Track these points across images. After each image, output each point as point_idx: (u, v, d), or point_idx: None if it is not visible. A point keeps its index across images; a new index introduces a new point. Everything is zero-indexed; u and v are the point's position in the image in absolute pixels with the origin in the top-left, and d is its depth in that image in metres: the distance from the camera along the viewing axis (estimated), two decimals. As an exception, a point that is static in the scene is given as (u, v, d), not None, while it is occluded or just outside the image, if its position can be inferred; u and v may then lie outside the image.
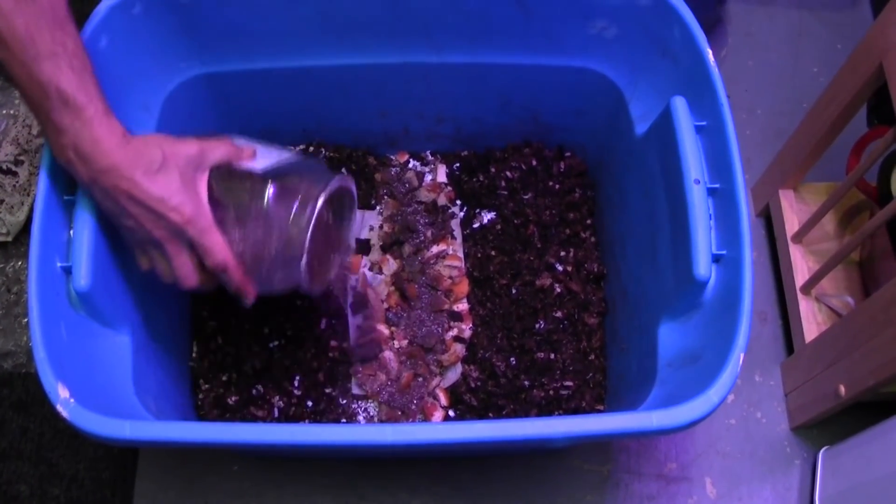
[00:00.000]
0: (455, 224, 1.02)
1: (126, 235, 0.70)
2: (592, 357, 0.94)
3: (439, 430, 0.64)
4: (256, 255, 0.72)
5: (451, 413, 0.93)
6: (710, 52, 0.75)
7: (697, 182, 0.71)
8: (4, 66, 0.61)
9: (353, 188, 0.80)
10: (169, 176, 0.66)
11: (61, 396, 0.62)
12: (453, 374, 0.94)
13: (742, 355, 0.64)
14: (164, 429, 0.63)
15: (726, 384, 0.63)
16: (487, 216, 1.02)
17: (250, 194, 0.71)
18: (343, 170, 1.02)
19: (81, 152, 0.63)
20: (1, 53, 0.60)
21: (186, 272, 0.71)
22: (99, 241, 0.69)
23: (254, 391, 0.92)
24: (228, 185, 0.71)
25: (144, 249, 0.71)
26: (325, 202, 0.72)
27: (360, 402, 0.94)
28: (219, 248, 0.69)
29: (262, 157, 0.74)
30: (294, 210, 0.71)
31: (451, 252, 1.00)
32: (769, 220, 1.09)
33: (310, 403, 0.92)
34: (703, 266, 0.69)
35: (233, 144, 0.73)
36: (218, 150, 0.71)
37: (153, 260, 0.71)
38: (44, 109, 0.62)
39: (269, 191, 0.71)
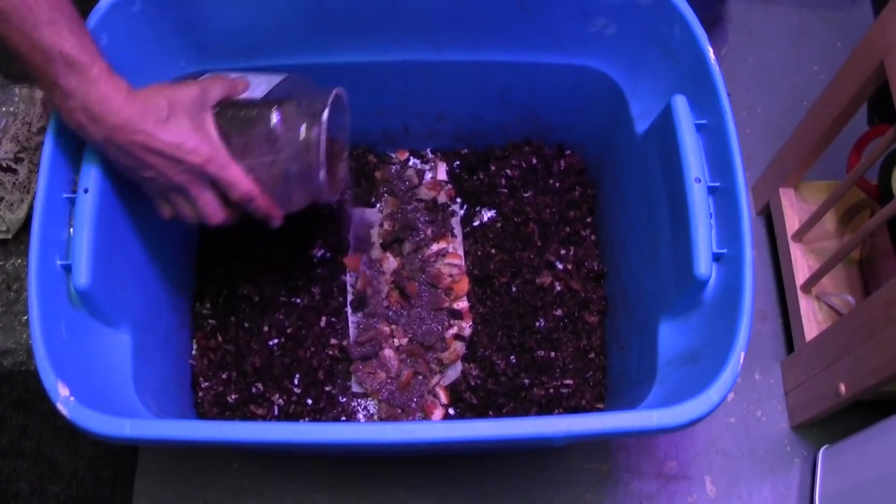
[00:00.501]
0: (455, 222, 1.02)
1: (146, 187, 0.72)
2: (592, 355, 0.94)
3: (439, 428, 0.64)
4: (272, 178, 0.74)
5: (451, 411, 0.93)
6: (710, 50, 0.75)
7: (698, 180, 0.71)
8: (5, 39, 0.62)
9: (345, 96, 0.81)
10: (179, 121, 0.67)
11: (61, 394, 0.62)
12: (453, 373, 0.94)
13: (742, 354, 0.64)
14: (165, 427, 0.62)
15: (727, 383, 0.63)
16: (487, 214, 1.02)
17: (258, 122, 0.73)
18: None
19: (91, 113, 0.64)
20: (1, 27, 0.61)
21: (213, 209, 0.73)
22: (99, 239, 0.69)
23: (253, 389, 0.92)
24: (233, 117, 0.73)
25: (166, 197, 0.73)
26: (329, 114, 0.75)
27: (359, 401, 0.94)
28: (241, 180, 0.72)
29: (255, 85, 0.77)
30: (303, 128, 0.73)
31: (451, 250, 1.00)
32: (769, 218, 1.08)
33: (309, 402, 0.92)
34: (703, 264, 0.69)
35: (227, 79, 0.75)
36: (216, 87, 0.73)
37: (176, 205, 0.73)
38: (49, 76, 0.63)
39: (274, 115, 0.73)
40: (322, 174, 0.75)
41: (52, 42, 0.61)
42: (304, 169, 0.74)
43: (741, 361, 0.64)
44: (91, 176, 0.69)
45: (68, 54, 0.62)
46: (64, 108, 0.65)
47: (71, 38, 0.62)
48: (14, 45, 0.62)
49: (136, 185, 0.77)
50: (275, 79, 0.78)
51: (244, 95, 0.76)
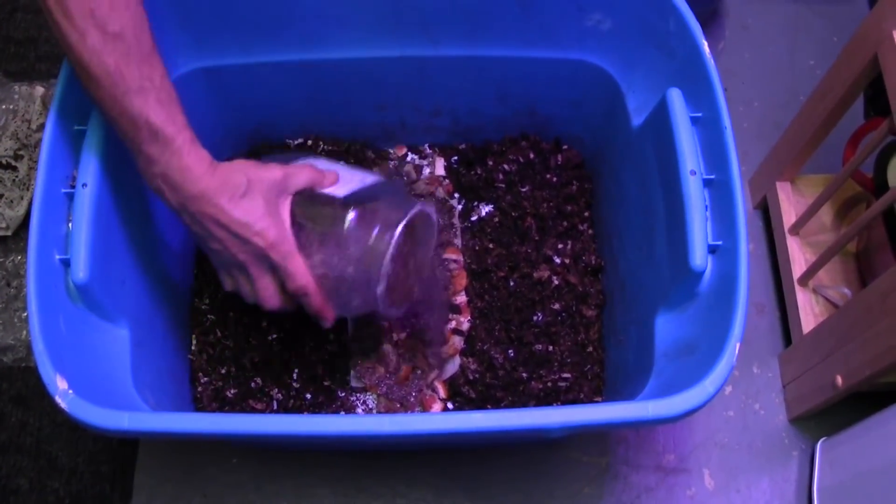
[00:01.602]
0: (453, 217, 1.02)
1: (212, 257, 0.73)
2: (590, 349, 0.94)
3: (437, 420, 0.64)
4: (336, 280, 0.73)
5: (449, 405, 0.94)
6: (705, 43, 0.75)
7: (693, 173, 0.71)
8: (95, 101, 0.64)
9: (434, 215, 0.80)
10: (253, 201, 0.68)
11: (60, 388, 0.62)
12: (452, 367, 0.94)
13: (738, 345, 0.64)
14: (163, 420, 0.63)
15: (722, 374, 0.63)
16: (485, 209, 1.02)
17: (332, 220, 0.72)
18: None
19: (171, 181, 0.65)
20: (93, 90, 0.63)
21: (269, 294, 0.73)
22: (97, 233, 0.70)
23: (252, 384, 0.92)
24: (311, 210, 0.73)
25: (229, 271, 0.73)
26: (405, 229, 0.73)
27: (358, 395, 0.94)
28: (300, 272, 0.71)
29: (345, 182, 0.76)
30: (373, 237, 0.72)
31: (449, 245, 1.00)
32: (767, 212, 1.09)
33: (308, 396, 0.92)
34: (698, 256, 0.70)
35: (316, 169, 0.74)
36: (301, 176, 0.73)
37: (237, 281, 0.74)
38: (135, 141, 0.64)
39: (350, 217, 0.72)
40: (381, 289, 0.73)
41: (140, 111, 0.63)
42: (365, 278, 0.73)
43: (737, 352, 0.64)
44: (90, 171, 0.70)
45: (154, 124, 0.63)
46: (146, 173, 0.67)
47: (158, 108, 0.63)
48: (105, 109, 0.64)
49: (135, 181, 0.78)
50: (368, 178, 0.78)
51: (329, 190, 0.75)
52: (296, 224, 0.71)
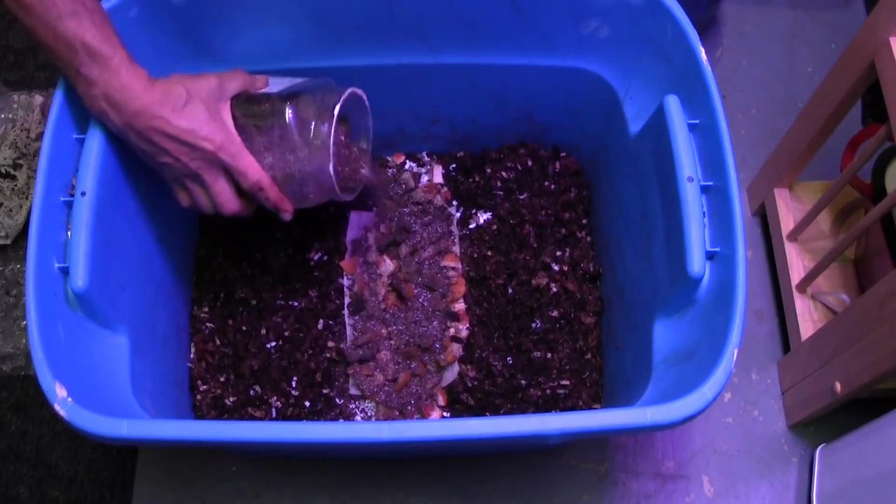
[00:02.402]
0: (451, 224, 1.02)
1: (164, 173, 0.74)
2: (589, 356, 0.94)
3: (435, 427, 0.64)
4: (287, 173, 0.77)
5: (448, 413, 0.94)
6: (702, 50, 0.75)
7: (691, 179, 0.72)
8: (30, 31, 0.65)
9: (365, 97, 0.83)
10: (196, 109, 0.70)
11: (59, 396, 0.62)
12: (450, 374, 0.94)
13: (736, 351, 0.64)
14: (162, 427, 0.63)
15: (720, 380, 0.64)
16: (483, 216, 1.03)
17: (271, 116, 0.75)
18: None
19: (112, 100, 0.67)
20: (26, 19, 0.65)
21: (226, 197, 0.75)
22: (96, 241, 0.70)
23: (251, 392, 0.92)
24: (249, 111, 0.76)
25: (183, 184, 0.75)
26: (342, 110, 0.77)
27: (357, 403, 0.94)
28: (252, 168, 0.74)
29: (275, 84, 0.79)
30: (314, 122, 0.75)
31: (447, 252, 1.00)
32: (765, 218, 1.09)
33: (307, 404, 0.92)
34: (696, 263, 0.70)
35: (247, 73, 0.78)
36: (235, 80, 0.76)
37: (193, 193, 0.75)
38: (73, 65, 0.66)
39: (288, 110, 0.75)
40: (331, 169, 0.76)
41: (75, 33, 0.64)
42: (315, 164, 0.76)
43: (735, 358, 0.64)
44: (88, 179, 0.70)
45: (90, 44, 0.65)
46: (87, 96, 0.68)
47: (93, 29, 0.65)
48: (39, 36, 0.65)
49: (133, 188, 0.78)
50: (296, 79, 0.81)
51: (264, 90, 0.78)
52: (238, 126, 0.74)
